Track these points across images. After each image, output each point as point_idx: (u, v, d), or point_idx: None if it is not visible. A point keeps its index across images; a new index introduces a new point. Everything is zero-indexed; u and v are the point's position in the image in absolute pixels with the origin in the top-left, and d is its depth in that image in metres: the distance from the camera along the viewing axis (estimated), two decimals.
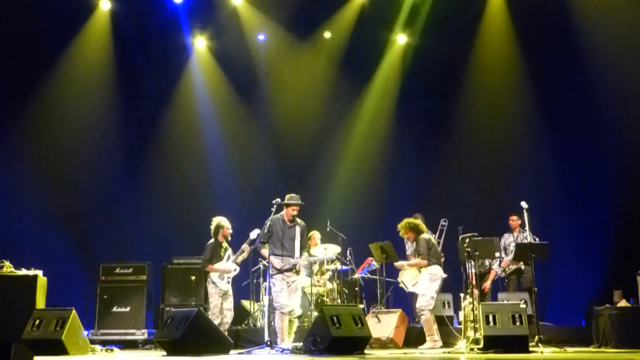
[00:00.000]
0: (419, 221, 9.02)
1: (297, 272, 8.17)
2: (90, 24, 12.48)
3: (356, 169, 13.22)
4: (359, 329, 7.33)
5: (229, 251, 9.01)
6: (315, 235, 10.33)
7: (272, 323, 8.74)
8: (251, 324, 10.14)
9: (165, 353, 7.47)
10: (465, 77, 12.91)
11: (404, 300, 10.76)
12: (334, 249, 9.89)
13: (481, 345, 7.35)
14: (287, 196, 8.25)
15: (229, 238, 9.09)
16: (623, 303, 9.41)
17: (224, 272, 8.86)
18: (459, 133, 12.96)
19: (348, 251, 10.40)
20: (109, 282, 10.19)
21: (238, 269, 9.01)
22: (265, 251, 8.12)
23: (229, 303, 8.89)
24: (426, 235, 8.92)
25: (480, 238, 8.72)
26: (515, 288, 10.34)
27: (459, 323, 8.85)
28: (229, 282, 8.92)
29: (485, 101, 12.85)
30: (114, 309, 10.00)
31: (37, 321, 7.65)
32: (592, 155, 12.03)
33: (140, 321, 9.90)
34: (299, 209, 8.23)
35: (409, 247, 10.68)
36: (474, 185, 12.57)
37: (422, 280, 8.64)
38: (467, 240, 8.48)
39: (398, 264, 9.07)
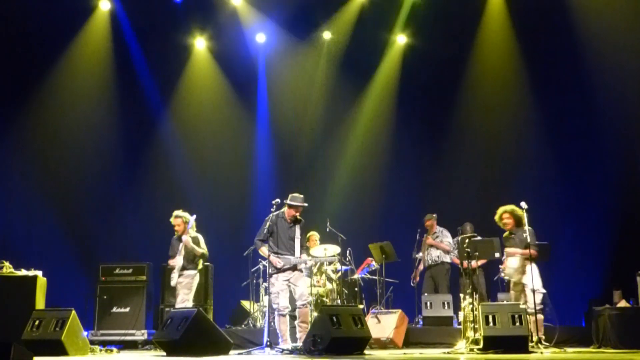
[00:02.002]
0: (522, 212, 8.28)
1: (300, 271, 8.11)
2: (90, 24, 12.49)
3: (356, 169, 13.21)
4: (359, 330, 7.33)
5: (181, 244, 8.77)
6: (314, 235, 10.31)
7: (272, 323, 8.72)
8: (251, 325, 10.14)
9: (164, 353, 7.47)
10: (465, 78, 12.91)
11: (404, 301, 10.77)
12: (333, 249, 9.88)
13: (481, 346, 7.35)
14: (290, 196, 8.15)
15: (178, 230, 8.82)
16: (623, 303, 9.40)
17: (173, 266, 8.78)
18: (458, 133, 12.96)
19: (348, 251, 10.40)
20: (108, 282, 10.17)
21: (180, 263, 8.67)
22: (265, 250, 8.05)
23: (179, 296, 8.74)
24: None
25: (480, 238, 8.72)
26: None
27: (459, 323, 8.84)
28: (173, 279, 8.70)
29: (484, 101, 12.84)
30: (114, 310, 9.97)
31: (37, 322, 7.65)
32: (592, 154, 12.03)
33: (140, 322, 9.88)
34: (301, 210, 8.18)
35: (437, 237, 10.72)
36: (474, 185, 12.56)
37: (535, 275, 8.03)
38: (467, 240, 8.49)
39: (511, 250, 8.29)
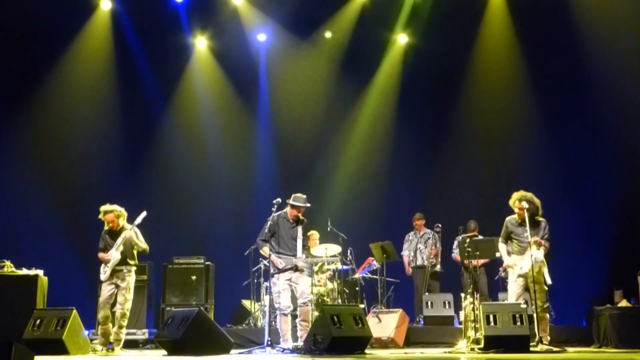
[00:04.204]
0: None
1: (301, 271, 8.11)
2: (91, 23, 12.49)
3: (357, 168, 13.21)
4: (360, 329, 7.33)
5: (119, 239, 8.21)
6: (314, 235, 10.30)
7: (273, 323, 8.72)
8: (252, 324, 10.15)
9: (165, 353, 7.47)
10: (466, 77, 12.90)
11: (405, 300, 10.77)
12: (334, 249, 9.89)
13: (482, 345, 7.35)
14: (293, 196, 8.09)
15: (112, 225, 8.27)
16: (624, 303, 9.39)
17: (104, 261, 8.22)
18: (459, 133, 12.96)
19: (349, 251, 10.39)
20: None
21: (117, 257, 8.11)
22: (266, 249, 8.03)
23: (121, 296, 8.18)
24: None
25: (480, 238, 8.72)
26: None
27: (460, 323, 8.84)
28: (104, 273, 8.18)
29: (485, 101, 12.83)
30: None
31: (38, 321, 7.66)
32: (593, 155, 12.02)
33: (141, 321, 9.89)
34: (304, 211, 8.14)
35: (428, 239, 10.76)
36: (475, 185, 12.56)
37: (546, 271, 7.80)
38: (468, 240, 8.49)
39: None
